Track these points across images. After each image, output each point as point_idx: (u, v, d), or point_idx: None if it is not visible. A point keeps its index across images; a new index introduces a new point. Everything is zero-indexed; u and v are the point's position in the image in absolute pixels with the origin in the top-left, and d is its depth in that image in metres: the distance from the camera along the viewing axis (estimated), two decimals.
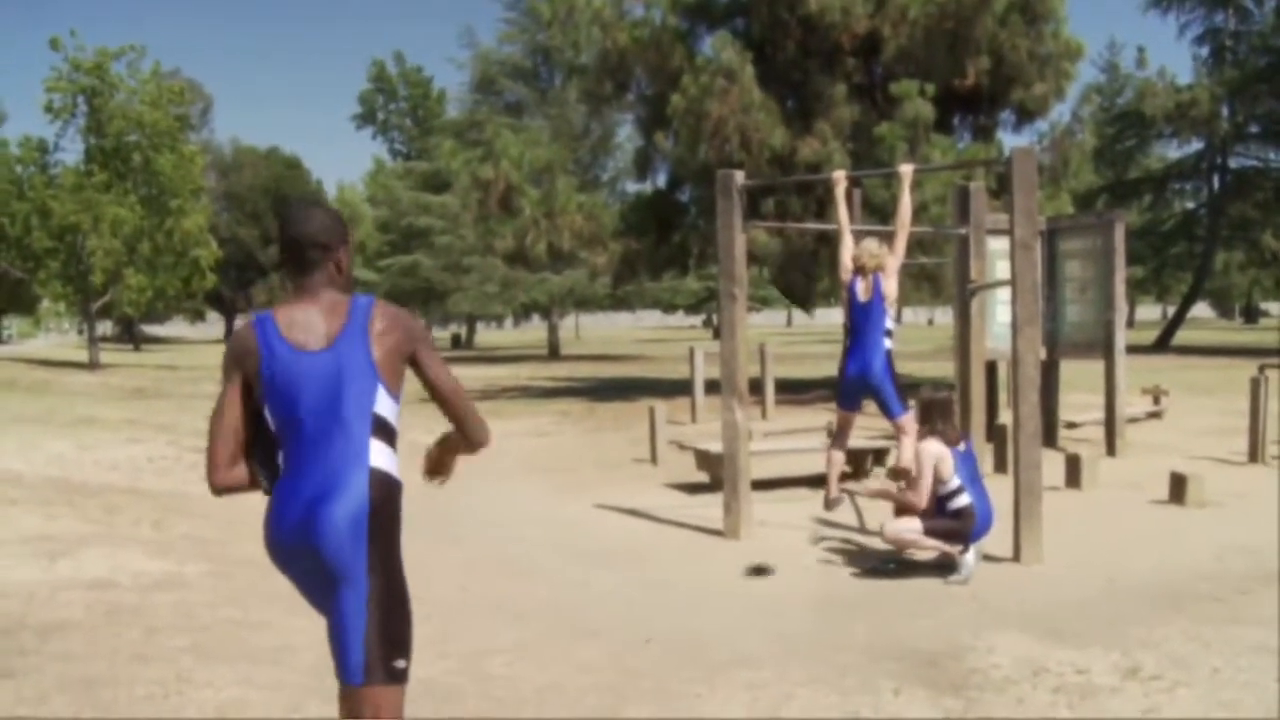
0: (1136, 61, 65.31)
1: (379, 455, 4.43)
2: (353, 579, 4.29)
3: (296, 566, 4.43)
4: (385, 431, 4.48)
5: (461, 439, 4.76)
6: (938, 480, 10.26)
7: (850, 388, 11.96)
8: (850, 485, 12.93)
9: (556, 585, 10.25)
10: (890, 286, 11.51)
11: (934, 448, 10.29)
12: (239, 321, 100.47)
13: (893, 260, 11.53)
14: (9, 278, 47.63)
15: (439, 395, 4.66)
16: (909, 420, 11.22)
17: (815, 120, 28.68)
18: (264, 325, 4.53)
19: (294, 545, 4.36)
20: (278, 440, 4.51)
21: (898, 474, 11.49)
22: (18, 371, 38.68)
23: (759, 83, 28.03)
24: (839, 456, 12.34)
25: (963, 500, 10.17)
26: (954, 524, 10.14)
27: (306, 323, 4.51)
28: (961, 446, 10.46)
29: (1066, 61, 29.77)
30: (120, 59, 44.64)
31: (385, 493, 4.39)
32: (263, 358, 4.45)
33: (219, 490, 4.53)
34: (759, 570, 10.49)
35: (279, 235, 4.70)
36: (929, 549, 10.32)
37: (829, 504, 12.11)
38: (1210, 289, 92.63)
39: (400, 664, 4.38)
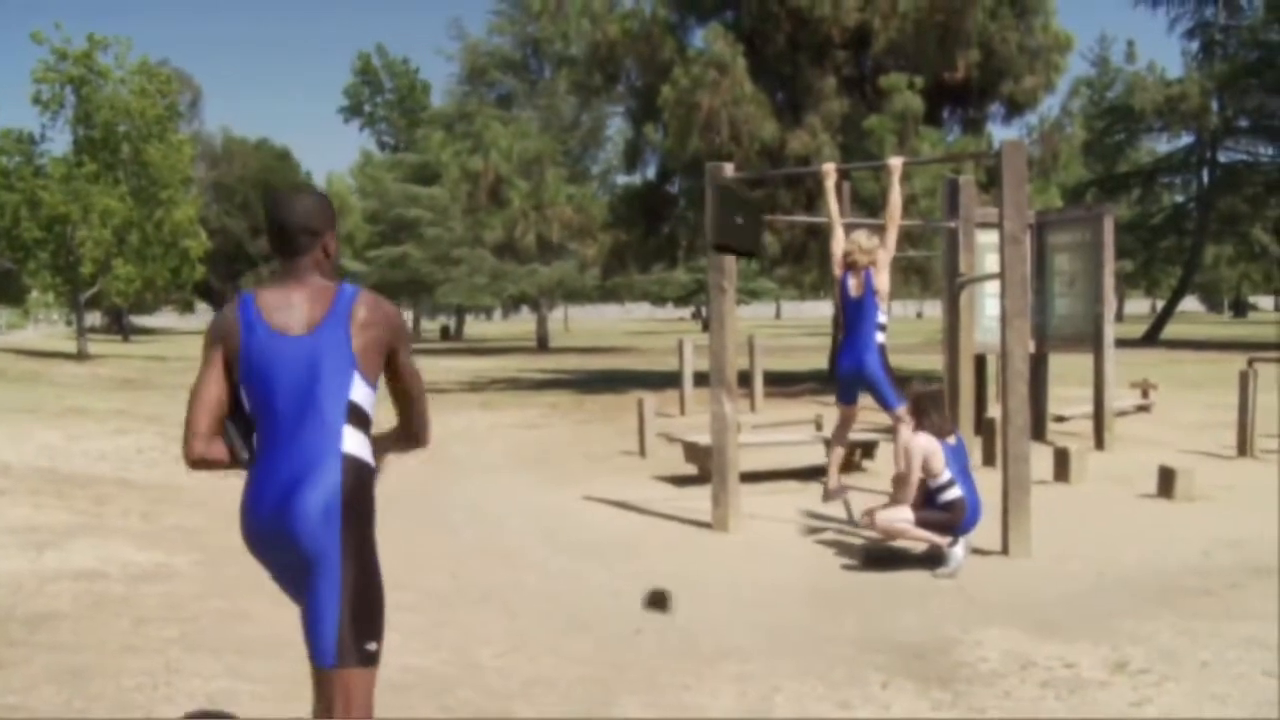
0: (1126, 55, 65.22)
1: (352, 441, 4.44)
2: (327, 564, 4.30)
3: (272, 552, 4.45)
4: (360, 418, 4.49)
5: (402, 438, 4.85)
6: (929, 474, 10.27)
7: (846, 383, 12.03)
8: (846, 481, 12.90)
9: (546, 576, 10.25)
10: (882, 281, 11.53)
11: (923, 442, 10.31)
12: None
13: (884, 254, 11.55)
14: None
15: (404, 396, 4.77)
16: (906, 412, 11.24)
17: (805, 113, 28.71)
18: (246, 305, 4.54)
19: (269, 531, 4.38)
20: (252, 422, 4.52)
21: (898, 480, 11.50)
22: (6, 362, 38.56)
23: (749, 75, 28.04)
24: (840, 449, 12.39)
25: (954, 493, 10.18)
26: (944, 516, 10.15)
27: (289, 306, 4.51)
28: (953, 440, 10.48)
29: (1056, 55, 29.84)
30: (107, 49, 44.55)
31: (358, 478, 4.42)
32: (242, 337, 4.46)
33: (195, 462, 4.52)
34: (656, 600, 9.92)
35: (267, 219, 4.68)
36: (918, 539, 10.33)
37: (829, 495, 12.14)
38: (1199, 283, 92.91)
39: (371, 647, 4.39)
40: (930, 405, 10.52)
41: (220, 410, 4.52)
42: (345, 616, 4.31)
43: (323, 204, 4.71)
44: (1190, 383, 28.02)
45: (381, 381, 4.63)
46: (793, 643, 8.01)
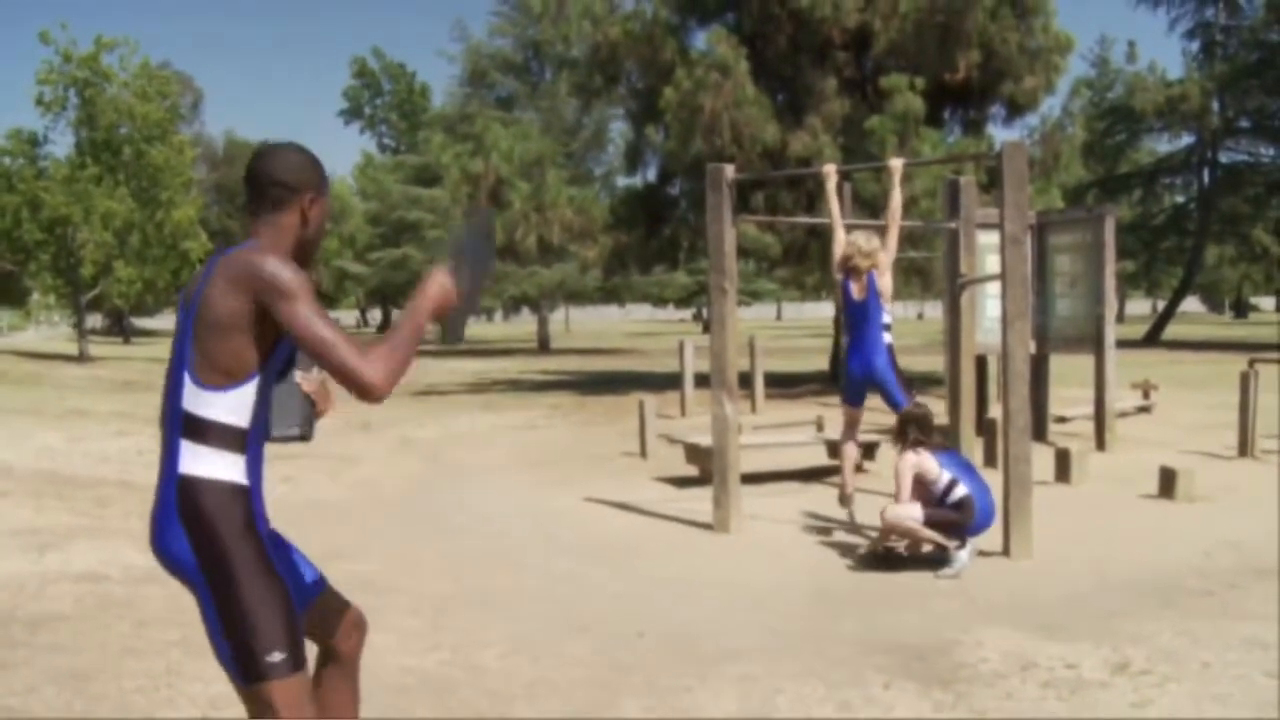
0: (1127, 56, 65.21)
1: (189, 459, 4.09)
2: (199, 592, 4.11)
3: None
4: (195, 429, 4.08)
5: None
6: (928, 481, 10.28)
7: (855, 386, 12.04)
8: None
9: (547, 578, 10.24)
10: (885, 283, 11.54)
11: (910, 459, 10.33)
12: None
13: (885, 257, 11.56)
14: None
15: (307, 349, 3.96)
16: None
17: (806, 114, 28.69)
18: (209, 268, 4.10)
19: (159, 562, 4.24)
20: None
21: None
22: (8, 364, 38.61)
23: (750, 77, 28.04)
24: (852, 450, 12.39)
25: (960, 491, 10.18)
26: (955, 515, 10.14)
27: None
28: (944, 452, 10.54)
29: (1057, 55, 29.81)
30: (112, 51, 44.59)
31: (193, 500, 4.09)
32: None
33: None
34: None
35: (245, 173, 4.26)
36: (926, 540, 10.32)
37: (844, 500, 12.13)
38: (1200, 283, 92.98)
39: (274, 657, 4.08)
40: (914, 427, 10.55)
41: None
42: (232, 639, 4.07)
43: (305, 160, 4.30)
44: (1191, 383, 28.02)
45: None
46: (794, 644, 8.00)
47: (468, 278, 4.42)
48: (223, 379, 4.04)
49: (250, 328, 3.99)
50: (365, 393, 3.94)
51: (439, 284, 4.30)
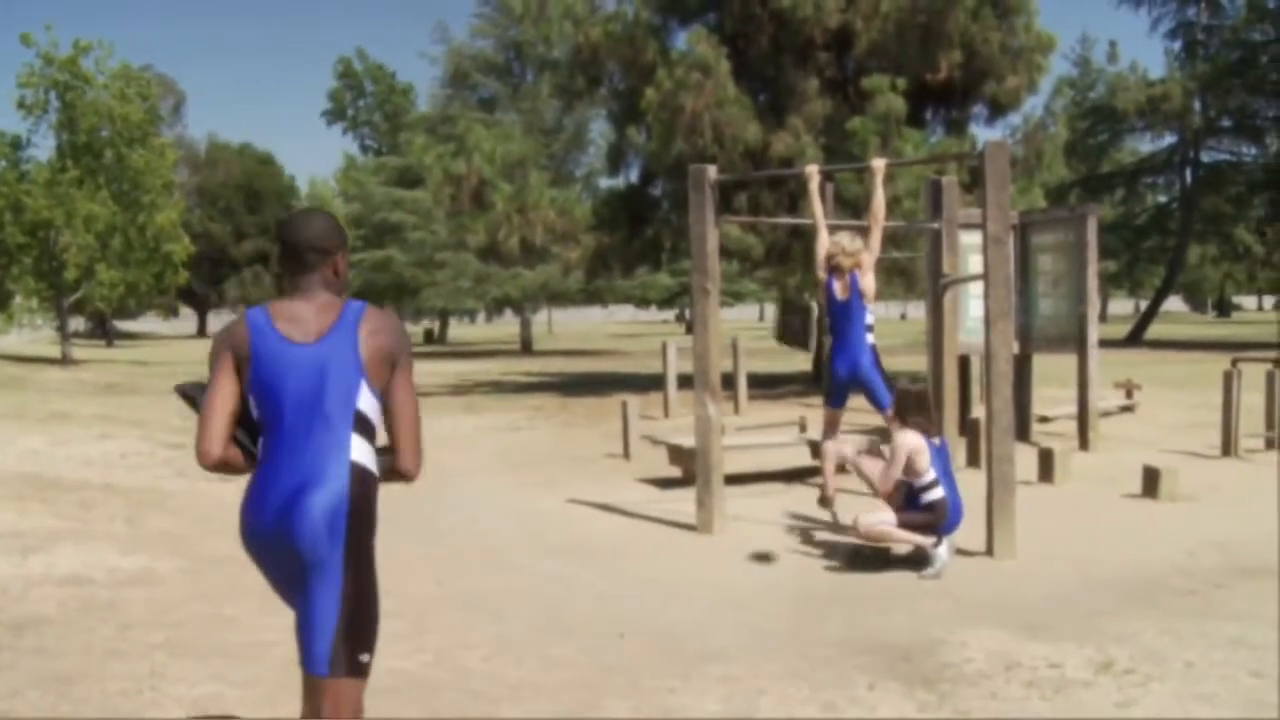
0: (1108, 55, 65.28)
1: (359, 450, 4.48)
2: (327, 571, 4.34)
3: (271, 556, 4.47)
4: (365, 427, 4.52)
5: (391, 467, 4.68)
6: (914, 473, 10.29)
7: (840, 386, 12.02)
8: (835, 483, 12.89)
9: (531, 580, 10.25)
10: (868, 283, 11.55)
11: (912, 439, 10.32)
12: (212, 317, 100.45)
13: (868, 256, 11.57)
14: None
15: (397, 413, 4.64)
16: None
17: (788, 115, 28.67)
18: (255, 316, 4.58)
19: (271, 535, 4.39)
20: (259, 428, 4.53)
21: (877, 453, 11.48)
22: None
23: (731, 78, 28.03)
24: (833, 448, 12.37)
25: (936, 493, 10.20)
26: (927, 517, 10.17)
27: (298, 317, 4.56)
28: (937, 441, 10.50)
29: (1039, 55, 29.80)
30: (89, 54, 44.54)
31: (364, 487, 4.44)
32: (252, 343, 4.49)
33: (212, 464, 4.50)
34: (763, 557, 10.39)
35: (279, 239, 4.73)
36: (902, 541, 10.35)
37: (826, 501, 12.11)
38: (1183, 283, 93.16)
39: (364, 658, 4.43)
40: (913, 405, 10.54)
41: (234, 414, 4.53)
42: (341, 627, 4.35)
43: (333, 225, 4.82)
44: (1174, 383, 28.05)
45: None
46: (778, 645, 8.01)
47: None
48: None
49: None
50: (411, 473, 4.65)
51: None
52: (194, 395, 4.66)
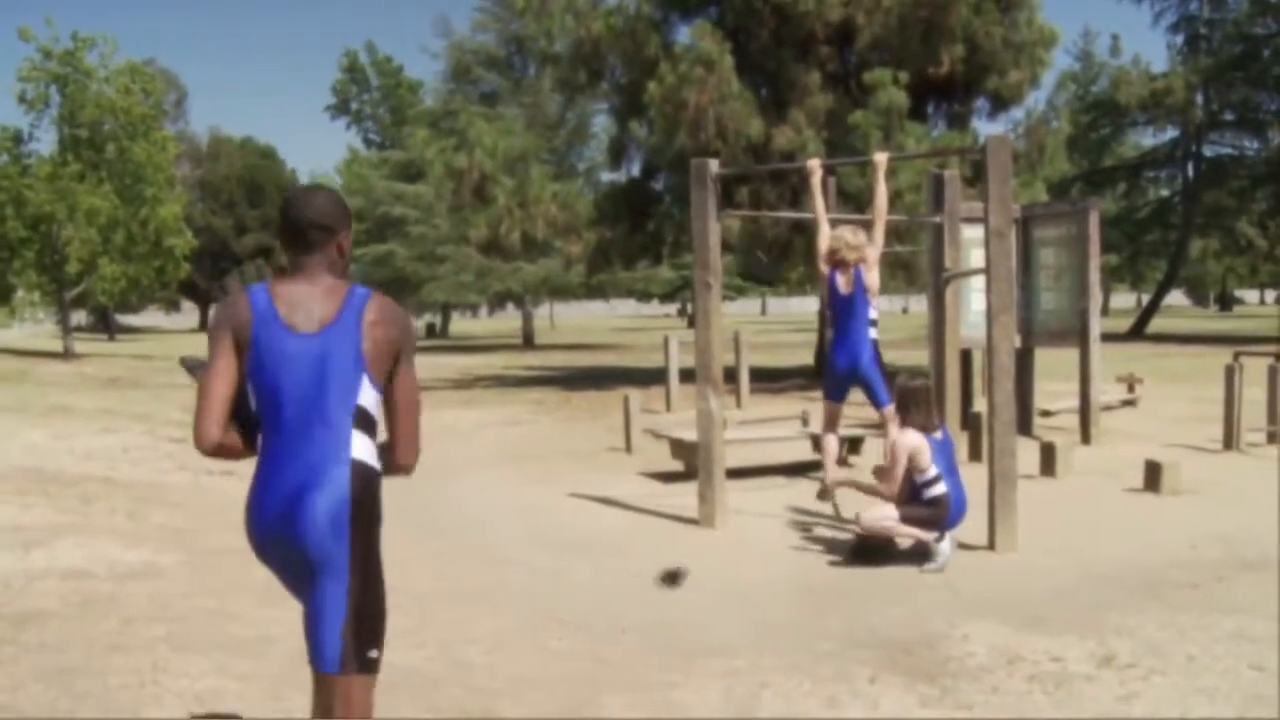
0: (1111, 49, 65.39)
1: (360, 447, 4.43)
2: (333, 570, 4.32)
3: (277, 555, 4.45)
4: (367, 423, 4.48)
5: (390, 458, 4.66)
6: (915, 469, 10.27)
7: (839, 381, 12.01)
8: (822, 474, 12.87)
9: (532, 574, 10.24)
10: (872, 278, 11.55)
11: (910, 438, 10.31)
12: (214, 310, 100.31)
13: (872, 251, 11.57)
14: None
15: (397, 405, 4.60)
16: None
17: (790, 109, 28.69)
18: (258, 297, 4.49)
19: (276, 534, 4.37)
20: (256, 417, 4.49)
21: (881, 472, 11.46)
22: None
23: (733, 71, 28.02)
24: (833, 443, 12.36)
25: (939, 489, 10.18)
26: (929, 512, 10.16)
27: (301, 303, 4.47)
28: (939, 435, 10.48)
29: (1041, 49, 29.84)
30: (94, 50, 44.51)
31: (366, 485, 4.41)
32: (254, 329, 4.42)
33: (210, 448, 4.45)
34: (672, 577, 10.23)
35: (281, 216, 4.64)
36: (905, 536, 10.34)
37: (825, 493, 12.08)
38: (1185, 276, 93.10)
39: (373, 654, 4.42)
40: (915, 400, 10.52)
41: (232, 396, 4.47)
42: (349, 624, 4.34)
43: (337, 202, 4.69)
44: (1176, 377, 28.05)
45: None
46: (780, 639, 8.01)
47: None
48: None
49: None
50: (409, 467, 4.70)
51: None
52: (197, 370, 4.62)
